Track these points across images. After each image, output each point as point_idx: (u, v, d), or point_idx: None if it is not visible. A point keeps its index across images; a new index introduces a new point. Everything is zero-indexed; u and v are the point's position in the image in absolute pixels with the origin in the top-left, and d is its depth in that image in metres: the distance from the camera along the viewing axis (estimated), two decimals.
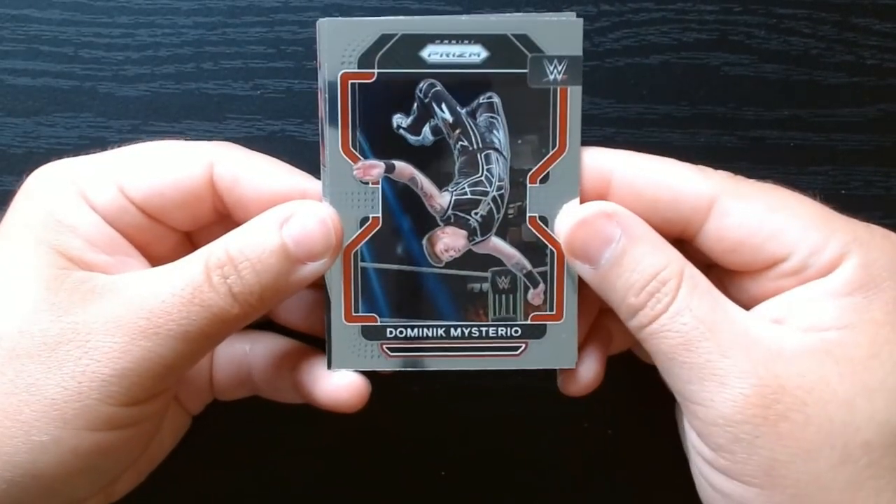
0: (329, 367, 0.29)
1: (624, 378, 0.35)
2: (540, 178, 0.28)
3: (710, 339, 0.25)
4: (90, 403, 0.25)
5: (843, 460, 0.24)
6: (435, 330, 0.29)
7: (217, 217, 0.29)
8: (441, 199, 0.28)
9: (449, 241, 0.29)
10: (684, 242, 0.29)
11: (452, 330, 0.29)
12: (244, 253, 0.26)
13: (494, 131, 0.28)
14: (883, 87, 0.34)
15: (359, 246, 0.28)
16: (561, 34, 0.27)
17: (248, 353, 0.32)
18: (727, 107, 0.34)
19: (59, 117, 0.34)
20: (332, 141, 0.28)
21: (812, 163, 0.35)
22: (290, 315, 0.32)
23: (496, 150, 0.28)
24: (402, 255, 0.29)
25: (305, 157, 0.34)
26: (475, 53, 0.28)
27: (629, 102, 0.34)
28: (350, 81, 0.27)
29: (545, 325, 0.29)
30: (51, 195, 0.27)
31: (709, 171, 0.28)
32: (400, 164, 0.28)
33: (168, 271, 0.26)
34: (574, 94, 0.28)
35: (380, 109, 0.28)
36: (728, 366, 0.25)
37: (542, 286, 0.29)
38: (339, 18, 0.27)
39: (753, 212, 0.27)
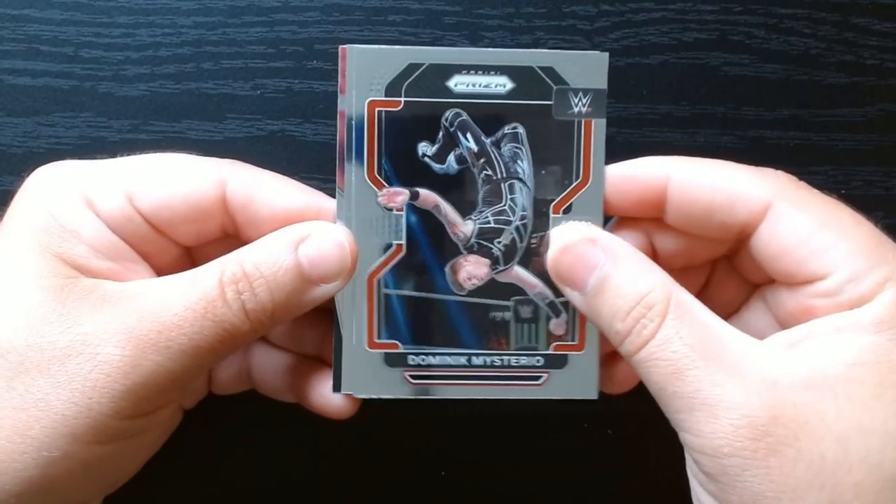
0: (337, 390, 0.29)
1: None
2: (563, 208, 0.28)
3: (701, 367, 0.24)
4: (100, 419, 0.24)
5: (832, 501, 0.23)
6: (457, 358, 0.29)
7: (222, 234, 0.29)
8: (464, 228, 0.29)
9: (472, 270, 0.29)
10: (737, 253, 0.29)
11: (474, 358, 0.29)
12: (259, 270, 0.26)
13: (518, 161, 0.28)
14: (883, 87, 0.34)
15: (382, 272, 0.29)
16: (586, 67, 0.28)
17: (247, 351, 0.32)
18: (727, 107, 0.34)
19: (59, 117, 0.34)
20: (358, 167, 0.28)
21: (812, 163, 0.35)
22: (278, 338, 0.32)
23: (520, 179, 0.28)
24: (424, 282, 0.29)
25: (305, 157, 0.34)
26: (501, 84, 0.28)
27: (629, 102, 0.34)
28: (377, 109, 0.28)
29: (567, 355, 0.29)
30: (53, 197, 0.27)
31: (768, 172, 0.28)
32: (424, 192, 0.28)
33: (180, 282, 0.26)
34: (598, 127, 0.28)
35: (405, 137, 0.28)
36: (718, 395, 0.24)
37: (564, 316, 0.29)
38: (368, 46, 0.28)
39: (804, 223, 0.26)
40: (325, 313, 0.29)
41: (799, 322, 0.26)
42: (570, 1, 0.34)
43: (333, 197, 0.29)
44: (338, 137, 0.28)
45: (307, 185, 0.30)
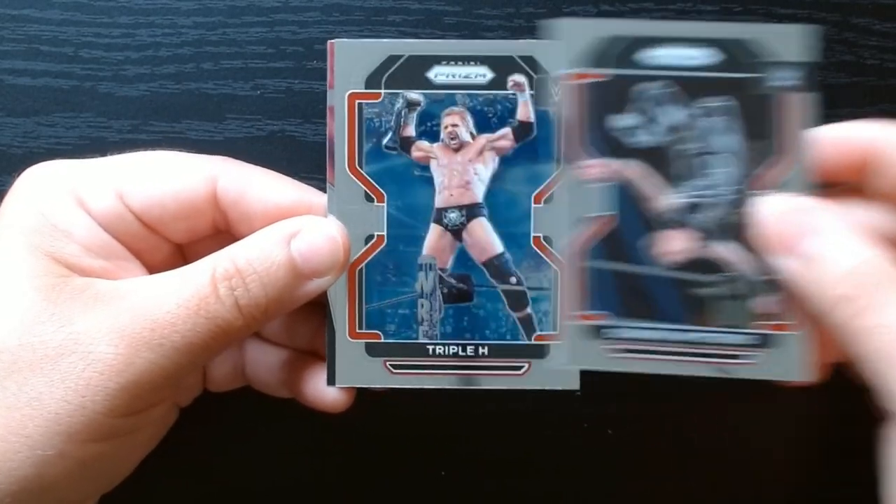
0: (331, 383, 0.29)
1: (624, 378, 0.35)
2: (770, 184, 0.28)
3: None
4: (94, 417, 0.24)
5: None
6: (660, 332, 0.29)
7: (213, 231, 0.29)
8: (666, 201, 0.28)
9: (675, 244, 0.28)
10: None
11: (677, 334, 0.28)
12: (252, 265, 0.26)
13: (723, 135, 0.28)
14: (883, 87, 0.34)
15: (590, 244, 0.28)
16: (795, 40, 0.28)
17: (241, 347, 0.32)
18: None
19: (59, 117, 0.34)
20: (568, 139, 0.28)
21: None
22: (272, 333, 0.32)
23: (725, 153, 0.28)
24: (628, 255, 0.28)
25: (305, 157, 0.34)
26: (706, 56, 0.28)
27: None
28: (578, 81, 0.28)
29: (779, 335, 0.28)
30: (45, 197, 0.27)
31: None
32: (625, 165, 0.28)
33: (173, 280, 0.26)
34: (806, 101, 0.28)
35: (606, 110, 0.28)
36: None
37: (773, 294, 0.28)
38: (574, 20, 0.28)
39: None
40: (318, 307, 0.29)
41: None
42: (570, 1, 0.34)
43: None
44: (327, 133, 0.28)
45: (307, 185, 0.30)
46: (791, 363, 0.28)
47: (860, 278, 0.25)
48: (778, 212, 0.27)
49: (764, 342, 0.28)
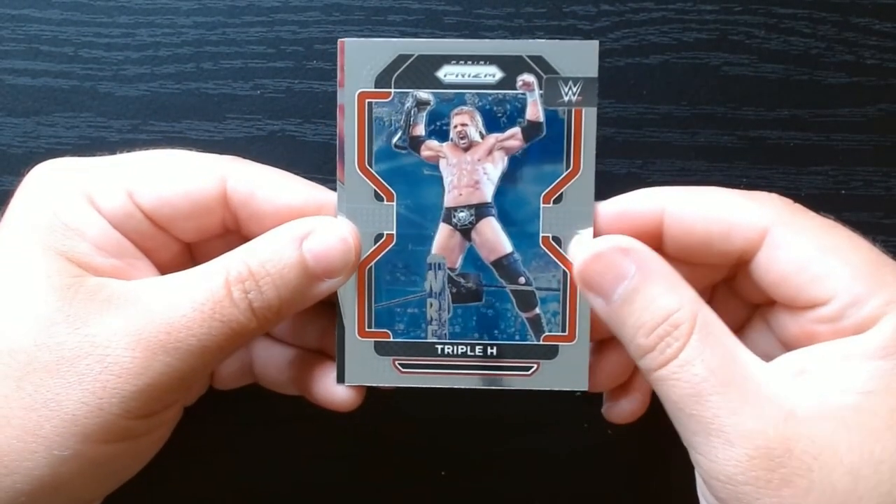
0: (341, 381, 0.29)
1: None
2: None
3: (721, 393, 0.24)
4: (110, 419, 0.25)
5: None
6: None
7: (223, 230, 0.29)
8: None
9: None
10: (736, 276, 0.29)
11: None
12: (265, 267, 0.26)
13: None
14: (883, 87, 0.34)
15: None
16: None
17: (249, 346, 0.32)
18: (727, 107, 0.34)
19: (59, 117, 0.34)
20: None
21: (812, 163, 0.35)
22: (280, 332, 0.32)
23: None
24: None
25: (305, 157, 0.34)
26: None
27: (629, 102, 0.34)
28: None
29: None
30: (55, 196, 0.27)
31: (763, 196, 0.27)
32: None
33: (187, 283, 0.26)
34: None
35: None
36: (736, 424, 0.24)
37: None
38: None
39: (804, 249, 0.26)
40: (327, 306, 0.30)
41: (802, 345, 0.26)
42: (570, 1, 0.34)
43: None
44: (337, 131, 0.28)
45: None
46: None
47: (666, 329, 0.25)
48: (595, 252, 0.27)
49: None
